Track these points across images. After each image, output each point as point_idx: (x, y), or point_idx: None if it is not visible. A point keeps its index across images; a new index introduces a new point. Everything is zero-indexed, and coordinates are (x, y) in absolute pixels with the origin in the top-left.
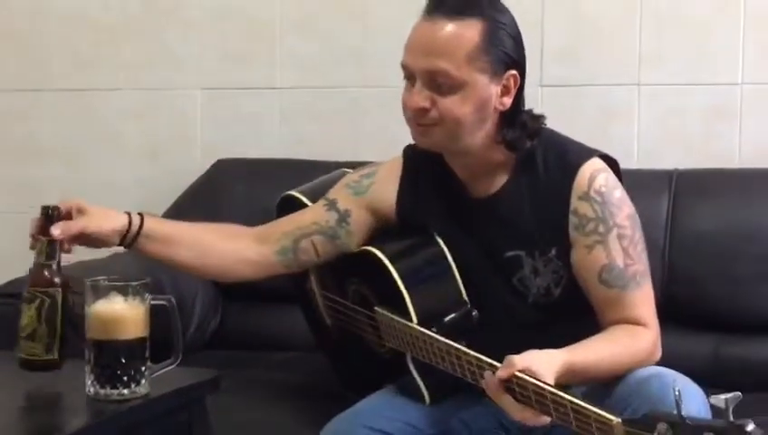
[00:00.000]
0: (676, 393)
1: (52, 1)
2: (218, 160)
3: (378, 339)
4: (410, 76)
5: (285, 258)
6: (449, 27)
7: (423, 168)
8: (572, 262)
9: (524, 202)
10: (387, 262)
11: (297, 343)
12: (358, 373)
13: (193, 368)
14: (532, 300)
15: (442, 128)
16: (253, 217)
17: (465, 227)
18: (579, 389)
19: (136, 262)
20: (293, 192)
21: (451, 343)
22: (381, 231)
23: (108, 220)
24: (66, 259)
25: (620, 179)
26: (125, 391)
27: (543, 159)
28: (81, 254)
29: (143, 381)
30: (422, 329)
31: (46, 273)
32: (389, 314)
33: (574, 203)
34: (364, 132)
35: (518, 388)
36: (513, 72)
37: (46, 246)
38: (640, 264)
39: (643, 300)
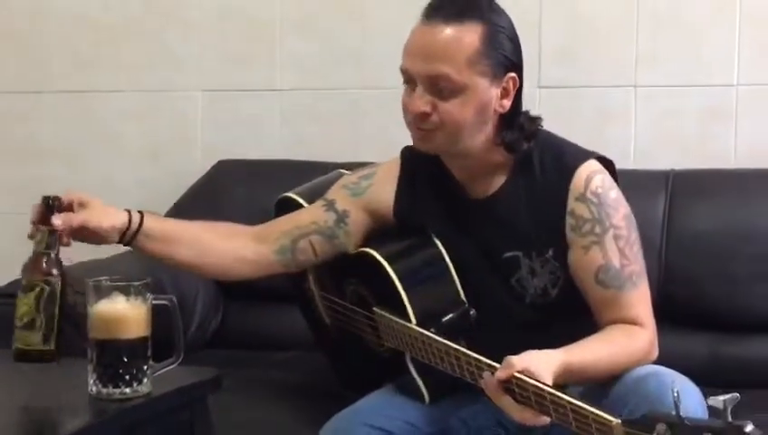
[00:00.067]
0: (675, 394)
1: (54, 3)
2: (219, 162)
3: (377, 339)
4: (410, 80)
5: (284, 258)
6: (449, 31)
7: (420, 169)
8: (569, 263)
9: (522, 203)
10: (385, 263)
11: (297, 342)
12: (357, 372)
13: (194, 367)
14: (530, 300)
15: (443, 132)
16: (253, 217)
17: (463, 227)
18: (576, 388)
19: (137, 262)
20: (290, 194)
21: (450, 343)
22: (379, 232)
23: (108, 217)
24: (68, 260)
25: (616, 181)
26: (127, 390)
27: (540, 161)
28: (82, 254)
29: (145, 380)
30: (421, 330)
31: (45, 262)
32: (388, 315)
33: (571, 204)
34: (364, 134)
35: (517, 389)
36: (513, 74)
37: (47, 235)
38: (636, 264)
39: (639, 300)
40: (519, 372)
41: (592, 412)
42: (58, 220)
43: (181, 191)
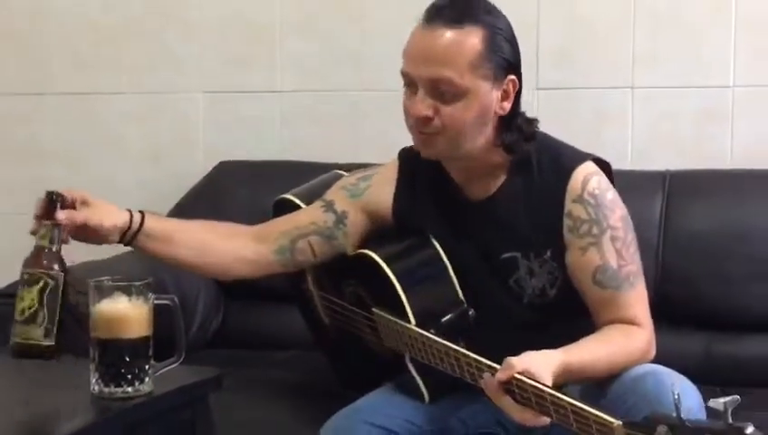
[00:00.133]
0: (676, 396)
1: (56, 6)
2: (220, 163)
3: (376, 339)
4: (411, 84)
5: (283, 258)
6: (451, 35)
7: (419, 171)
8: (567, 263)
9: (520, 205)
10: (383, 264)
11: (298, 341)
12: (356, 372)
13: (196, 366)
14: (528, 301)
15: (445, 136)
16: (254, 218)
17: (462, 229)
18: (574, 387)
19: (139, 262)
20: (288, 195)
21: (450, 344)
22: (377, 233)
23: (110, 216)
24: (70, 261)
25: (612, 182)
26: (129, 389)
27: (538, 163)
28: (84, 254)
29: (147, 380)
30: (420, 331)
31: (49, 256)
32: (387, 316)
33: (568, 206)
34: (364, 135)
35: (518, 389)
36: (513, 76)
37: (51, 230)
38: (633, 264)
39: (637, 300)
40: (519, 373)
41: (593, 414)
42: (62, 215)
43: (182, 192)
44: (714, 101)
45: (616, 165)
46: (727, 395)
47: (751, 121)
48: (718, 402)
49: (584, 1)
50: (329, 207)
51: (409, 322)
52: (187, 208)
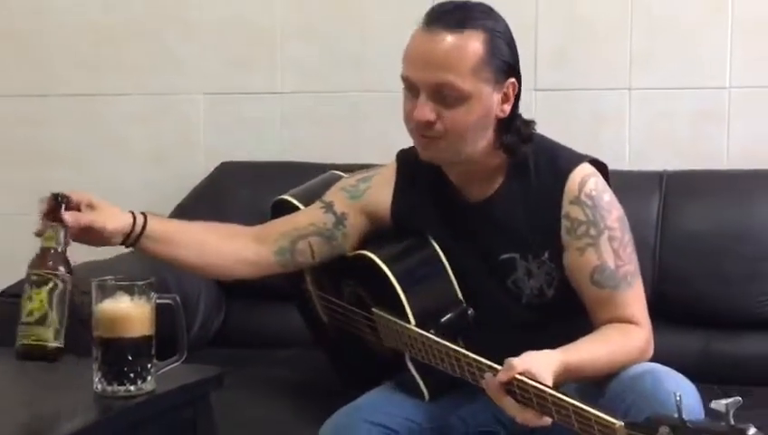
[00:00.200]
0: (678, 398)
1: (59, 9)
2: (221, 164)
3: (376, 338)
4: (412, 88)
5: (283, 259)
6: (452, 40)
7: (418, 172)
8: (565, 264)
9: (518, 206)
10: (383, 265)
11: (299, 340)
12: (356, 371)
13: (197, 365)
14: (526, 301)
15: (447, 140)
16: (255, 218)
17: (460, 230)
18: (572, 386)
19: (141, 262)
20: (286, 196)
21: (450, 344)
22: (376, 234)
23: (113, 219)
24: (72, 262)
25: (609, 183)
26: (131, 388)
27: (535, 165)
28: (87, 254)
29: (149, 378)
30: (420, 331)
31: (55, 257)
32: (387, 316)
33: (566, 207)
34: (364, 136)
35: (519, 390)
36: (512, 79)
37: (58, 231)
38: (631, 264)
39: (634, 299)
40: (520, 373)
41: (595, 414)
42: (68, 217)
43: (184, 193)
44: (710, 102)
45: (613, 165)
46: (725, 393)
47: (747, 122)
48: (720, 404)
49: (582, 3)
50: (328, 208)
51: (409, 322)
52: (188, 209)
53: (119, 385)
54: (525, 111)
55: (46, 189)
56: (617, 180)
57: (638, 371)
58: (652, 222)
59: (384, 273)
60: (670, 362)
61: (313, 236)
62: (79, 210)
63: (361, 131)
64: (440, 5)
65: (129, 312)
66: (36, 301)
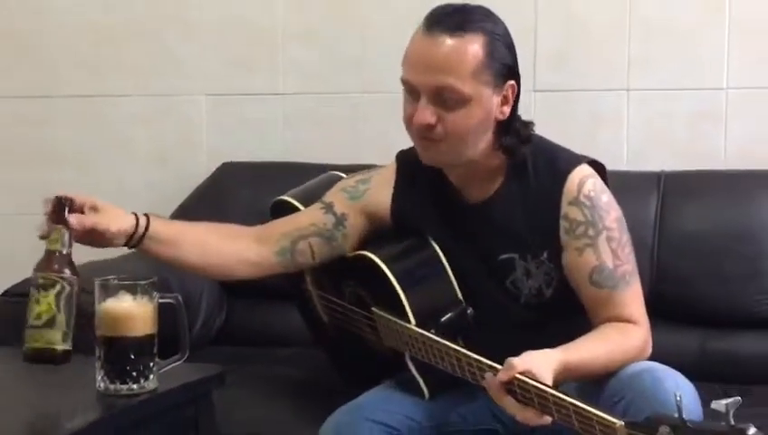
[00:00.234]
0: (678, 398)
1: (63, 12)
2: (223, 164)
3: (376, 338)
4: (413, 91)
5: (284, 259)
6: (452, 43)
7: (417, 173)
8: (564, 264)
9: (517, 207)
10: (383, 266)
11: (300, 339)
12: (356, 369)
13: (199, 364)
14: (525, 301)
15: (447, 143)
16: (257, 218)
17: (459, 231)
18: (570, 385)
19: (144, 261)
20: (286, 197)
21: (450, 344)
22: (375, 234)
23: (117, 221)
24: (75, 260)
25: (607, 184)
26: (134, 386)
27: (534, 166)
28: (89, 254)
29: (151, 377)
30: (421, 331)
31: (61, 260)
32: (387, 316)
33: (565, 208)
34: (364, 137)
35: (519, 390)
36: (512, 81)
37: (64, 234)
38: (629, 264)
39: (633, 298)
40: (520, 373)
41: (596, 414)
42: (73, 219)
43: (187, 193)
44: (707, 103)
45: (612, 166)
46: (725, 392)
47: (744, 123)
48: (720, 404)
49: (580, 5)
50: (329, 208)
51: (409, 321)
52: (190, 209)
53: (121, 384)
54: (524, 112)
55: (48, 190)
56: (615, 180)
57: (637, 369)
58: (650, 222)
59: (384, 273)
60: (668, 361)
61: (314, 237)
62: (82, 212)
63: (362, 132)
64: (440, 8)
65: (132, 311)
66: (44, 304)
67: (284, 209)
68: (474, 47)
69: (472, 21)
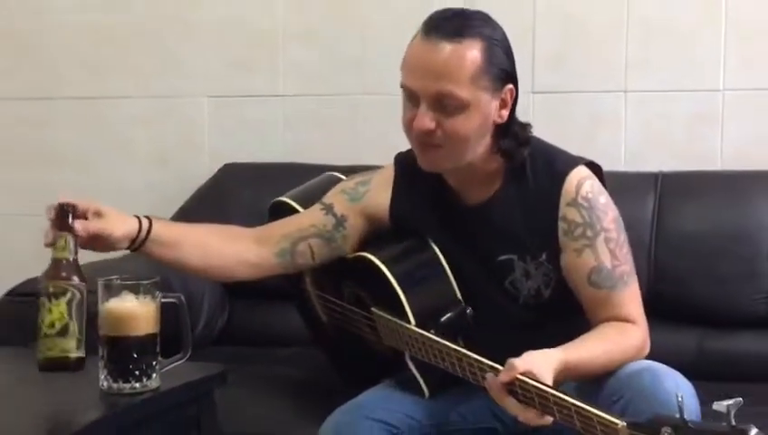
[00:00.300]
0: (680, 399)
1: (67, 15)
2: (224, 165)
3: (375, 337)
4: (412, 96)
5: (284, 260)
6: (451, 49)
7: (416, 175)
8: (562, 265)
9: (515, 209)
10: (383, 267)
11: (301, 339)
12: (356, 369)
13: (201, 363)
14: (523, 301)
15: (446, 148)
16: (258, 219)
17: (459, 233)
18: (569, 384)
19: (146, 262)
20: (284, 198)
21: (450, 344)
22: (375, 236)
23: (120, 225)
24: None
25: (604, 184)
26: (137, 385)
27: (532, 168)
28: (91, 255)
29: (154, 376)
30: (421, 331)
31: (68, 267)
32: (387, 316)
33: (563, 209)
34: (364, 138)
35: (521, 390)
36: (510, 86)
37: (67, 241)
38: (627, 264)
39: (631, 298)
40: (521, 374)
41: (597, 415)
42: (78, 226)
43: (188, 194)
44: (704, 105)
45: (610, 166)
46: (725, 393)
47: (740, 124)
48: (721, 405)
49: (579, 7)
50: (329, 210)
51: (409, 322)
52: (192, 210)
53: (124, 382)
54: (523, 114)
55: (50, 191)
56: (613, 181)
57: (636, 368)
58: (647, 222)
59: (384, 274)
60: (666, 361)
61: (314, 238)
62: (86, 218)
63: (362, 133)
64: (438, 13)
65: (135, 310)
66: (56, 313)
67: (283, 210)
68: (472, 53)
69: (470, 26)
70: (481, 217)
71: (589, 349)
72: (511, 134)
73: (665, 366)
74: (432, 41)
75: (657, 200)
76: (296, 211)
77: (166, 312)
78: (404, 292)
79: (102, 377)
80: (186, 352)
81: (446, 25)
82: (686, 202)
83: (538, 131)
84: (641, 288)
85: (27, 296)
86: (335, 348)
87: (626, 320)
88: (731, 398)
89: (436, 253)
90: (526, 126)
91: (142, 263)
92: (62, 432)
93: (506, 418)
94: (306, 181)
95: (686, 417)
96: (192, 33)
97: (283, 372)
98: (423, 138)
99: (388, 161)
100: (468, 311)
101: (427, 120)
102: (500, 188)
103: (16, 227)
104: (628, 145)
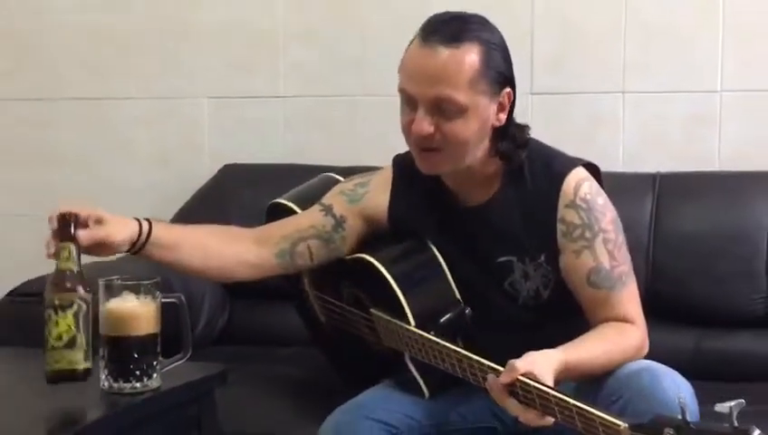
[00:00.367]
0: (681, 400)
1: (67, 15)
2: (225, 166)
3: (374, 338)
4: (411, 101)
5: (283, 261)
6: (449, 54)
7: (414, 177)
8: (561, 266)
9: (514, 211)
10: (382, 268)
11: (301, 339)
12: (355, 369)
13: (202, 363)
14: (522, 302)
15: (445, 152)
16: (258, 220)
17: (458, 235)
18: (569, 384)
19: (147, 262)
20: (282, 199)
21: (450, 345)
22: (373, 237)
23: (122, 230)
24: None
25: (602, 185)
26: (137, 385)
27: (530, 169)
28: (91, 256)
29: (155, 375)
30: (421, 332)
31: (73, 278)
32: (386, 317)
33: (561, 211)
34: (364, 138)
35: (522, 391)
36: (508, 89)
37: (71, 251)
38: (625, 265)
39: (629, 298)
40: (522, 375)
41: (599, 416)
42: (82, 235)
43: (189, 194)
44: (702, 106)
45: (608, 167)
46: (720, 390)
47: (738, 125)
48: (724, 406)
49: (577, 9)
50: (328, 211)
51: (409, 323)
52: (193, 211)
53: (125, 382)
54: (522, 115)
55: (52, 192)
56: (611, 182)
57: (635, 368)
58: (646, 223)
59: (383, 275)
60: (664, 360)
61: (312, 239)
62: (87, 226)
63: (362, 134)
64: (436, 17)
65: (136, 310)
66: (63, 325)
67: (280, 212)
68: (470, 57)
69: (468, 30)
70: (480, 219)
71: (588, 349)
72: (509, 137)
73: (663, 366)
74: (430, 45)
75: (656, 201)
76: (293, 212)
77: (166, 312)
78: (403, 293)
79: (103, 377)
80: (186, 352)
81: (444, 30)
82: (684, 203)
83: (537, 132)
84: (640, 288)
85: (28, 297)
86: (334, 348)
87: (625, 320)
88: (731, 399)
89: (434, 254)
90: (524, 128)
91: (142, 263)
92: (63, 432)
93: (506, 418)
94: (305, 182)
95: (687, 418)
96: (192, 34)
97: (283, 372)
98: (421, 142)
99: (387, 162)
100: (467, 312)
101: (425, 125)
102: (498, 190)
103: (18, 228)
104: (627, 146)
